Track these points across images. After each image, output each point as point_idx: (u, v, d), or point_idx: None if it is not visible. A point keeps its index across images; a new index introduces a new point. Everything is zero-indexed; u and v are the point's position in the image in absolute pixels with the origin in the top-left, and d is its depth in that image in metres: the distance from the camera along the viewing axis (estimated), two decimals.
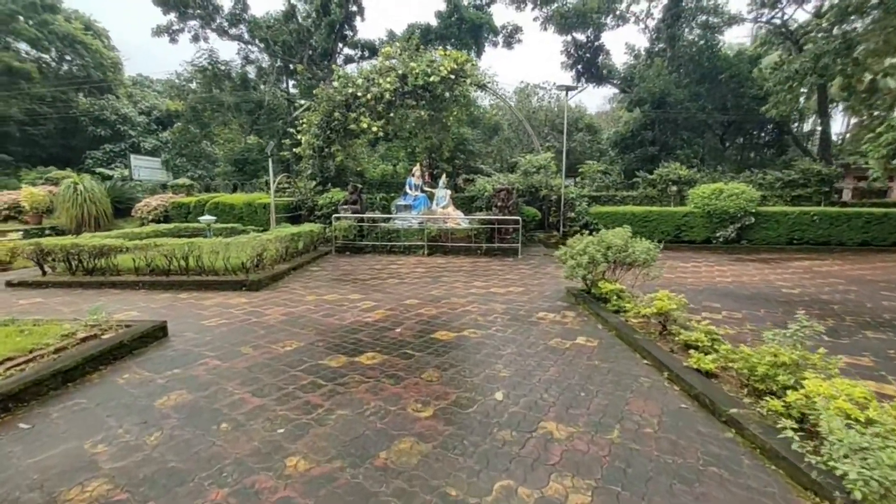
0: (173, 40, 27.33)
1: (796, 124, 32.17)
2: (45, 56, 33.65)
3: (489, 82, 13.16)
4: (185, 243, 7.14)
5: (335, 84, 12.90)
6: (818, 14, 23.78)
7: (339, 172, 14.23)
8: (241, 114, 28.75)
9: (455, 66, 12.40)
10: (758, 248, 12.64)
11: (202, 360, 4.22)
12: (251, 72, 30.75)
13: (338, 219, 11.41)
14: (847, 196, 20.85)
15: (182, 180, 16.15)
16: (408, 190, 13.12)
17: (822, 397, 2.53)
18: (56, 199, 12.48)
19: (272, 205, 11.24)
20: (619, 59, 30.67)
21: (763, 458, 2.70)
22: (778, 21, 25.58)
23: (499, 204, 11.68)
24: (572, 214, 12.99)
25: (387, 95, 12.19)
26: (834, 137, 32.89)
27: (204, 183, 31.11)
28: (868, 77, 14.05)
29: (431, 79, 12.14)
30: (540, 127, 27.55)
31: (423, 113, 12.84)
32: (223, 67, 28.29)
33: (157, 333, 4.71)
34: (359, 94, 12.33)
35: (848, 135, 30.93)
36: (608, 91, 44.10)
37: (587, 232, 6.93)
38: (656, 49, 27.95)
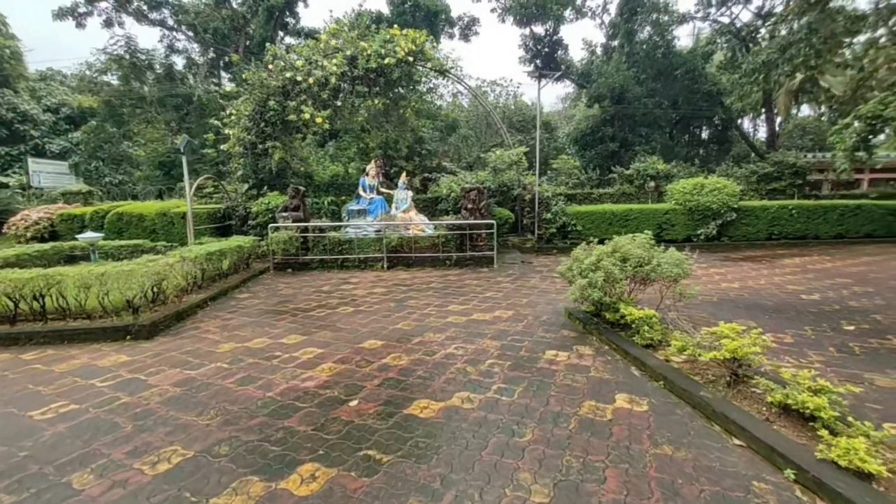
0: (80, 25, 23.51)
1: (740, 120, 33.27)
2: None
3: (451, 67, 11.58)
4: (37, 276, 4.94)
5: (270, 67, 10.79)
6: (760, 14, 24.36)
7: (280, 174, 12.08)
8: (167, 110, 25.32)
9: (413, 48, 10.72)
10: (738, 244, 11.98)
11: None
12: (178, 63, 27.31)
13: (275, 229, 9.34)
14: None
15: (78, 186, 13.21)
16: (361, 192, 11.24)
17: None
18: None
19: (189, 214, 8.97)
20: (577, 55, 30.28)
21: None
22: (726, 20, 26.10)
23: (469, 206, 10.11)
24: (548, 215, 11.68)
25: (332, 80, 10.28)
26: (762, 134, 34.62)
27: (125, 189, 27.35)
28: (829, 69, 13.90)
29: (386, 61, 10.37)
30: (497, 125, 26.45)
31: (376, 102, 11.02)
32: (143, 57, 24.78)
33: None
34: (298, 78, 10.31)
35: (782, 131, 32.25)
36: (561, 90, 44.16)
37: (592, 242, 5.49)
38: (613, 45, 27.73)
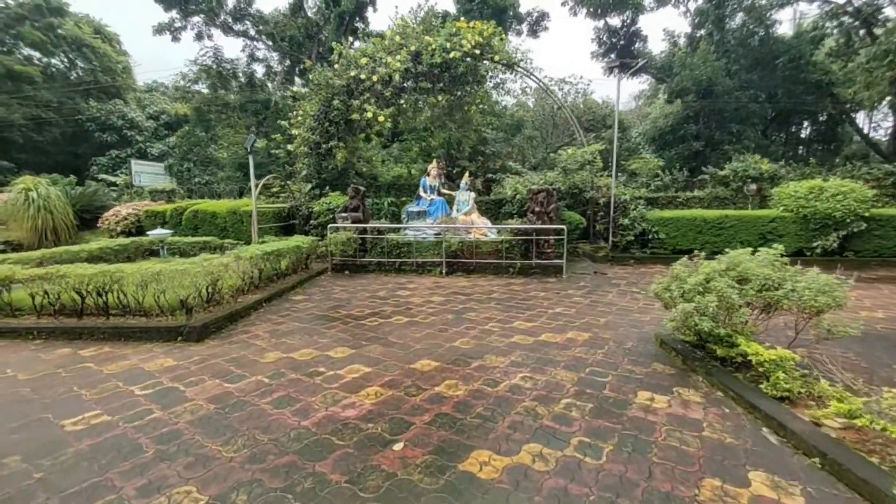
0: (175, 39, 25.86)
1: (855, 115, 28.63)
2: (53, 60, 32.83)
3: (521, 60, 10.77)
4: (99, 272, 4.96)
5: (336, 66, 10.73)
6: None
7: (342, 174, 12.03)
8: (248, 115, 27.07)
9: (480, 41, 10.08)
10: (867, 261, 9.85)
11: None
12: (258, 70, 29.16)
13: (335, 230, 9.16)
14: None
15: (163, 185, 14.24)
16: (422, 193, 10.79)
17: None
18: (6, 208, 10.66)
19: (254, 213, 9.07)
20: (655, 47, 27.84)
21: None
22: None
23: (537, 209, 9.25)
24: (625, 221, 10.44)
25: (396, 77, 9.93)
26: (881, 133, 29.33)
27: (211, 188, 29.71)
28: None
29: (451, 55, 9.84)
30: (565, 125, 25.10)
31: (440, 98, 10.52)
32: (228, 66, 26.73)
33: None
34: (362, 76, 10.10)
35: None
36: (634, 87, 41.41)
37: (698, 256, 4.44)
38: (699, 34, 25.12)
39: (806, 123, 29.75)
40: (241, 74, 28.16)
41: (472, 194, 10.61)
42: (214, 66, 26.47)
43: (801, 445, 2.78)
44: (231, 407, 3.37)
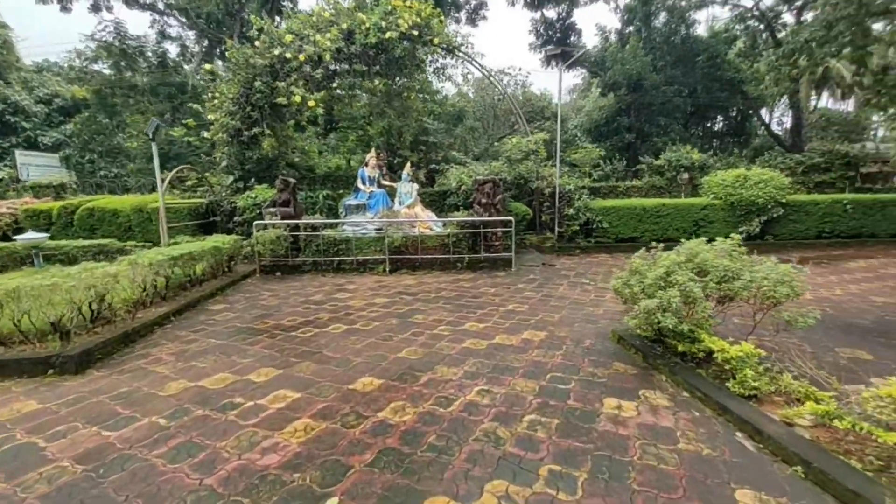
0: (65, 9, 22.36)
1: (763, 110, 31.57)
2: None
3: (461, 44, 10.28)
4: None
5: (256, 43, 9.56)
6: None
7: (271, 164, 10.87)
8: (160, 99, 24.16)
9: (418, 21, 9.43)
10: (785, 243, 10.68)
11: None
12: (171, 50, 26.12)
13: (262, 227, 8.15)
14: None
15: (50, 178, 12.08)
16: (360, 185, 10.01)
17: None
18: None
19: (162, 209, 7.79)
20: (589, 41, 28.79)
21: None
22: (749, 3, 24.49)
23: (483, 201, 8.87)
24: (570, 211, 10.41)
25: (327, 56, 9.02)
26: (775, 126, 32.90)
27: (119, 183, 26.40)
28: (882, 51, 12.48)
29: (387, 35, 9.10)
30: (505, 117, 25.22)
31: (377, 83, 9.77)
32: (133, 44, 23.59)
33: None
34: (288, 55, 9.07)
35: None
36: (569, 80, 42.85)
37: (655, 248, 4.23)
38: (629, 31, 26.25)
39: (720, 118, 32.32)
40: (150, 54, 25.04)
41: (415, 186, 10.02)
42: (117, 44, 23.25)
43: (780, 452, 2.57)
44: (108, 467, 2.56)
